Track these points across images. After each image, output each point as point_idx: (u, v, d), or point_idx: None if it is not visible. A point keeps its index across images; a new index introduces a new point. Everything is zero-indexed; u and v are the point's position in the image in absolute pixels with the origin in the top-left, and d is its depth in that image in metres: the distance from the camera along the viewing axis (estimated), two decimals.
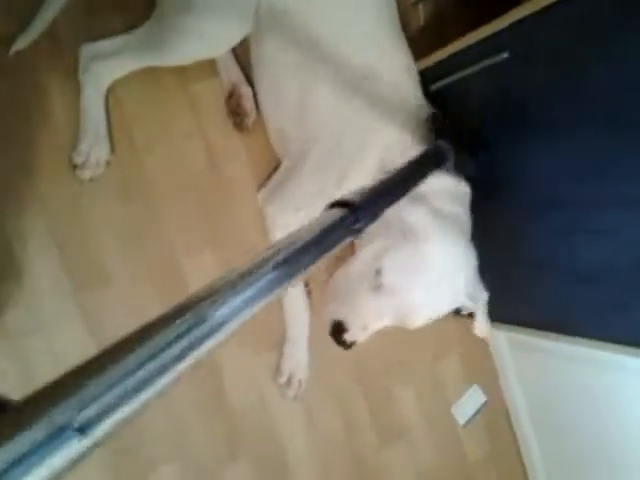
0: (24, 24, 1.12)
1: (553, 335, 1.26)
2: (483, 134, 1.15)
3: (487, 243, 1.13)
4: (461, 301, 1.07)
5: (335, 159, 1.15)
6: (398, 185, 0.86)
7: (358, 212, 0.69)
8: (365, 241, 1.09)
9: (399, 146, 1.12)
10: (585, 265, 1.11)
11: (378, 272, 1.01)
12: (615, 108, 0.91)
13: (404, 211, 1.01)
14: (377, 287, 1.01)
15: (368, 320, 1.03)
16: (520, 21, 0.98)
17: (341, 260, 1.11)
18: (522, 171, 1.13)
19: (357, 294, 1.03)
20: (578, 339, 1.20)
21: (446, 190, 1.08)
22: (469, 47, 1.09)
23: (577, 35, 0.91)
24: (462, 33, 1.11)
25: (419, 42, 1.27)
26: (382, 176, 1.10)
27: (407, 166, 0.92)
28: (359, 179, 1.13)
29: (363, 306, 1.02)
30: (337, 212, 0.68)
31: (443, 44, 1.15)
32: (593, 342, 1.17)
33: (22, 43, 1.12)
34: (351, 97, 1.14)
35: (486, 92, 1.11)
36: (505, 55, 1.00)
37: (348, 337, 1.03)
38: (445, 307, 1.06)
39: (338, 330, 1.03)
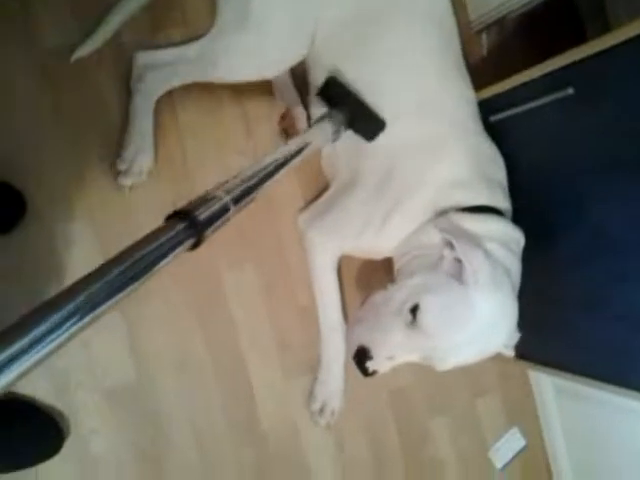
0: (87, 33, 1.15)
1: (600, 384, 1.20)
2: (542, 169, 1.11)
3: (537, 282, 1.09)
4: (496, 351, 1.03)
5: (386, 193, 1.12)
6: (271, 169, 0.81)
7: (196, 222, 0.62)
8: (408, 270, 1.06)
9: (456, 184, 1.08)
10: (635, 312, 1.04)
11: (415, 309, 0.96)
12: None
13: (458, 251, 0.96)
14: (411, 323, 0.97)
15: (395, 353, 1.00)
16: (587, 58, 0.94)
17: (380, 284, 1.08)
18: (579, 211, 1.08)
19: (389, 325, 0.99)
20: (626, 390, 1.13)
21: (502, 235, 1.04)
22: (533, 80, 1.05)
23: None
24: (525, 65, 1.07)
25: (481, 71, 1.24)
26: (432, 216, 1.09)
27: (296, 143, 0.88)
28: (408, 215, 1.10)
29: (392, 338, 0.98)
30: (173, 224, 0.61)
31: (505, 75, 1.12)
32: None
33: (83, 51, 1.15)
34: (408, 130, 1.11)
35: (548, 127, 1.07)
36: (570, 91, 0.96)
37: (371, 365, 0.99)
38: (478, 357, 1.01)
39: (362, 355, 1.00)
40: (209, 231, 0.65)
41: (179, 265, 1.18)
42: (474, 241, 0.99)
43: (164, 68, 1.15)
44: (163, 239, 0.58)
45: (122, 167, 1.15)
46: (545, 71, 1.02)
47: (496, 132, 1.16)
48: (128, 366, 1.20)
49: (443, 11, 1.18)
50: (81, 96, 1.17)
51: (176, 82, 1.16)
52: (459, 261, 0.96)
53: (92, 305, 0.49)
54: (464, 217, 1.05)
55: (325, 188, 1.29)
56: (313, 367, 1.32)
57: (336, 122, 1.02)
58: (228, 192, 0.70)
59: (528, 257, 1.09)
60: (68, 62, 1.14)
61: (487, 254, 0.98)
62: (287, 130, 1.25)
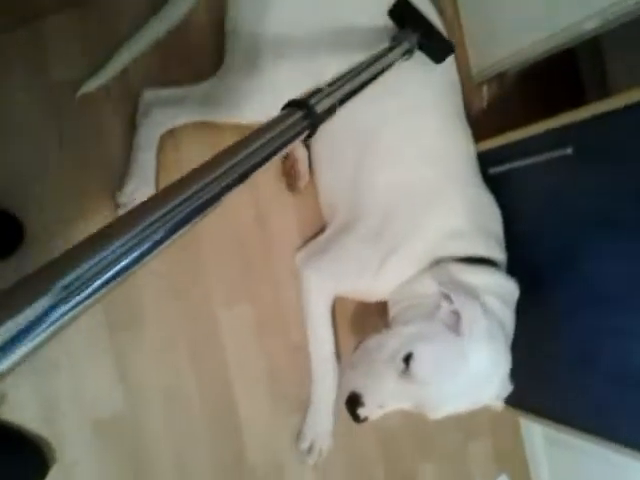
0: (95, 68, 1.17)
1: (590, 437, 1.19)
2: (538, 223, 1.13)
3: (530, 334, 1.10)
4: (487, 402, 1.03)
5: (384, 236, 1.13)
6: (363, 75, 0.83)
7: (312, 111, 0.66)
8: (403, 318, 1.06)
9: (453, 234, 1.10)
10: (626, 368, 1.05)
11: (408, 357, 0.96)
12: None
13: (456, 304, 0.97)
14: (403, 372, 0.97)
15: (386, 400, 1.00)
16: (587, 120, 0.96)
17: (374, 329, 1.08)
18: (572, 266, 1.09)
19: (382, 372, 0.99)
20: (615, 445, 1.13)
21: (497, 288, 1.05)
22: (533, 137, 1.07)
23: None
24: (524, 118, 1.10)
25: (481, 123, 1.26)
26: (429, 264, 1.10)
27: (372, 57, 0.89)
28: (406, 261, 1.11)
29: (384, 385, 0.99)
30: (292, 112, 0.65)
31: (505, 127, 1.14)
32: (629, 450, 1.10)
33: (90, 87, 1.17)
34: (408, 179, 1.12)
35: (546, 184, 1.09)
36: (569, 151, 0.98)
37: (362, 412, 1.00)
38: (470, 407, 1.01)
39: (354, 402, 1.00)
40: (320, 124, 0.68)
41: (175, 298, 1.21)
42: (471, 294, 1.00)
43: (170, 105, 1.16)
44: (284, 126, 0.62)
45: (122, 200, 1.15)
46: (545, 129, 1.04)
47: (495, 184, 1.17)
48: (117, 396, 1.19)
49: (447, 64, 1.20)
50: (85, 128, 1.18)
51: (181, 119, 1.17)
52: (456, 313, 0.97)
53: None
54: (461, 268, 1.06)
55: (323, 228, 1.30)
56: (303, 406, 1.31)
57: (409, 42, 1.02)
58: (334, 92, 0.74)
59: (521, 309, 1.09)
60: (74, 95, 1.16)
61: (484, 307, 0.99)
62: (289, 171, 1.27)
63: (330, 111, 0.71)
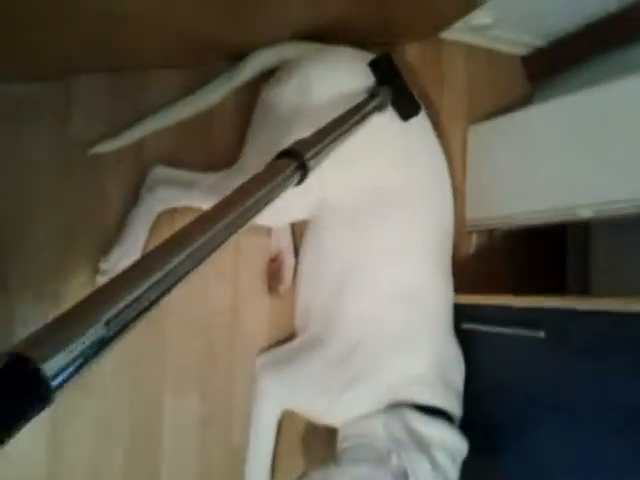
0: (112, 133, 1.20)
1: None
2: (498, 388, 1.15)
3: None
4: None
5: (349, 365, 1.13)
6: (341, 128, 0.90)
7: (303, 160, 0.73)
8: (353, 456, 1.05)
9: (416, 380, 1.11)
10: None
11: None
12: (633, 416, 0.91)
13: (404, 460, 0.98)
14: None
15: None
16: (564, 310, 1.01)
17: (319, 454, 1.07)
18: (521, 439, 1.10)
19: None
20: None
21: (449, 444, 1.06)
22: (509, 308, 1.11)
23: (616, 343, 0.94)
24: (507, 275, 1.14)
25: (463, 268, 1.31)
26: (386, 404, 1.11)
27: (349, 111, 0.96)
28: (364, 396, 1.11)
29: None
30: (284, 163, 0.72)
31: (486, 280, 1.18)
32: None
33: (104, 148, 1.19)
34: (383, 313, 1.15)
35: (515, 354, 1.12)
36: (541, 334, 1.02)
37: None
38: None
39: None
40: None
41: (127, 371, 1.18)
42: (423, 447, 1.01)
43: (178, 187, 1.18)
44: (279, 176, 0.69)
45: (104, 267, 1.15)
46: (522, 305, 1.09)
47: (465, 339, 1.20)
48: (41, 462, 1.14)
49: (447, 211, 1.26)
50: (88, 188, 1.20)
51: (184, 203, 1.19)
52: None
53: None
54: (418, 417, 1.06)
55: (291, 336, 1.30)
56: None
57: (383, 97, 1.10)
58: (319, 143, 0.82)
59: (469, 466, 1.10)
60: (86, 154, 1.18)
61: (433, 462, 1.00)
62: (273, 274, 1.28)
63: (318, 160, 0.78)
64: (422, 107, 1.20)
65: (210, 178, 1.19)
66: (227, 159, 1.24)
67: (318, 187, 1.17)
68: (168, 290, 0.51)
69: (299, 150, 0.74)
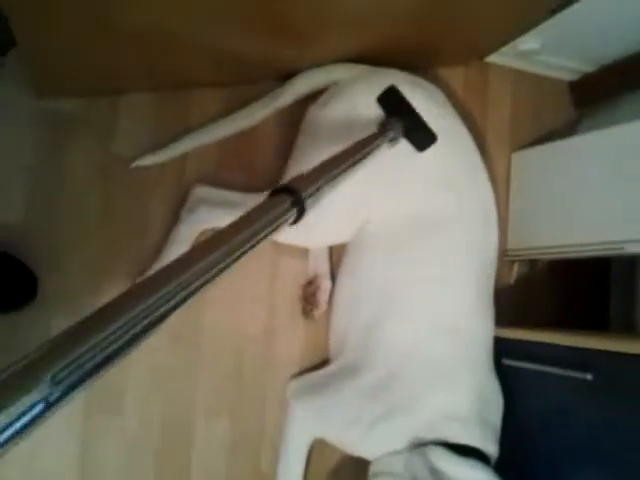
0: (157, 149, 1.20)
1: None
2: (537, 429, 1.11)
3: None
4: None
5: (381, 398, 1.11)
6: (344, 163, 0.82)
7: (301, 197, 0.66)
8: None
9: (452, 417, 1.07)
10: None
11: None
12: None
13: None
14: None
15: None
16: (612, 352, 0.97)
17: None
18: None
19: None
20: None
21: None
22: (554, 346, 1.07)
23: None
24: (549, 309, 1.09)
25: (504, 299, 1.27)
26: (415, 442, 1.07)
27: (355, 145, 0.89)
28: (394, 433, 1.08)
29: None
30: (280, 200, 0.65)
31: (525, 313, 1.14)
32: None
33: (146, 161, 1.19)
34: (423, 346, 1.12)
35: (556, 396, 1.08)
36: (589, 377, 0.98)
37: None
38: None
39: None
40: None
41: (158, 392, 1.17)
42: None
43: (217, 208, 1.17)
44: (272, 214, 0.62)
45: None
46: (568, 344, 1.05)
47: (504, 375, 1.16)
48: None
49: (492, 239, 1.22)
50: (130, 207, 1.20)
51: (224, 224, 1.17)
52: None
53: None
54: (444, 457, 1.02)
55: (324, 362, 1.28)
56: None
57: (394, 129, 1.05)
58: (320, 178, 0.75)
59: None
60: (127, 172, 1.19)
61: None
62: (308, 298, 1.26)
63: (317, 197, 0.72)
64: (437, 135, 1.14)
65: (253, 199, 1.18)
66: (269, 179, 1.23)
67: (364, 210, 1.15)
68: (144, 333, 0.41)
69: (296, 187, 0.67)
